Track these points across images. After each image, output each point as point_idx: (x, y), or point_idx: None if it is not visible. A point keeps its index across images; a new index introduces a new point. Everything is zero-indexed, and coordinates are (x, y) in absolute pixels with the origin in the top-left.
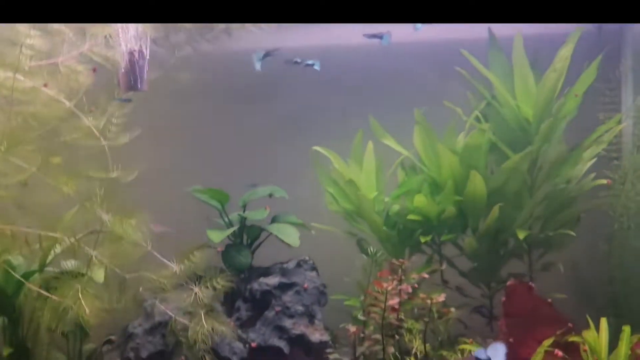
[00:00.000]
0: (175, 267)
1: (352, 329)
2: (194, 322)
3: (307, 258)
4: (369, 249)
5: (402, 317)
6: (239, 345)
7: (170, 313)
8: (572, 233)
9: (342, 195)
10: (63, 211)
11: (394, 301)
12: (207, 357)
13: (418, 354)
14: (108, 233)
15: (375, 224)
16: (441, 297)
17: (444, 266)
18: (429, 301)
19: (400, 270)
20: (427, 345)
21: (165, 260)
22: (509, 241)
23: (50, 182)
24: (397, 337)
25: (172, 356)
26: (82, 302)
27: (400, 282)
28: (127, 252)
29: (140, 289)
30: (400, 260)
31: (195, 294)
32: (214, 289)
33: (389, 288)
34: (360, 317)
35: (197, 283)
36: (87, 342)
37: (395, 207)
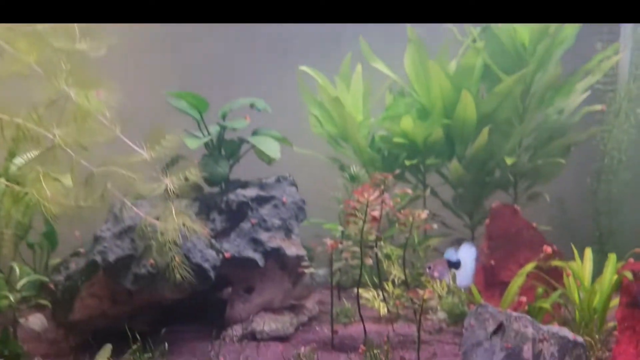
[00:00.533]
0: (145, 153)
1: (330, 242)
2: (164, 218)
3: (287, 175)
4: (351, 168)
5: (382, 239)
6: (211, 253)
7: (140, 213)
8: (562, 161)
9: (327, 117)
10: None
11: (375, 212)
12: (176, 258)
13: (396, 280)
14: (73, 110)
15: (359, 147)
16: (423, 214)
17: (427, 193)
18: (410, 218)
19: (382, 184)
20: (406, 270)
21: (134, 146)
22: (495, 171)
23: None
24: (375, 249)
25: (141, 261)
26: (44, 185)
27: (381, 193)
28: (93, 131)
29: (109, 184)
30: (383, 174)
31: (168, 187)
32: (186, 179)
33: (370, 198)
34: (339, 227)
35: (167, 174)
36: (54, 257)
37: (381, 132)
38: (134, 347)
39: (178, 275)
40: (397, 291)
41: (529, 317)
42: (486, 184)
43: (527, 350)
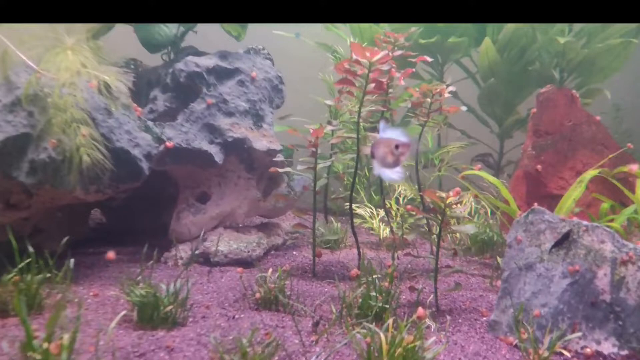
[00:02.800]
0: None
1: (313, 127)
2: (56, 65)
3: (261, 47)
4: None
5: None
6: (145, 138)
7: (32, 65)
8: (634, 40)
9: None
10: None
11: (378, 74)
12: (82, 131)
13: (401, 198)
14: None
15: (359, 25)
16: (444, 91)
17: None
18: (429, 94)
19: (392, 45)
20: None
21: None
22: (535, 61)
23: None
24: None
25: (41, 142)
26: None
27: (392, 55)
28: None
29: None
30: (393, 33)
31: None
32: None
33: (374, 58)
34: (326, 102)
35: None
36: None
37: None
38: (22, 265)
39: (86, 158)
40: (402, 210)
41: (607, 228)
42: (524, 78)
43: (604, 277)
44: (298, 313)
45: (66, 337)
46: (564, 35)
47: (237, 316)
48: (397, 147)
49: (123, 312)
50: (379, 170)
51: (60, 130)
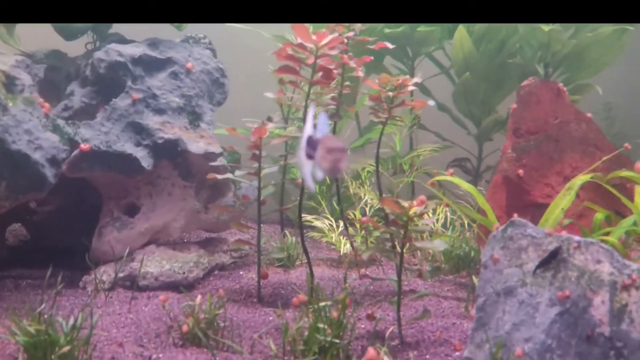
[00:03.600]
0: None
1: (254, 125)
2: None
3: (202, 35)
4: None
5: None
6: (50, 139)
7: None
8: (629, 27)
9: None
10: None
11: (327, 60)
12: None
13: (367, 207)
14: None
15: None
16: (409, 82)
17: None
18: (390, 88)
19: (346, 30)
20: None
21: None
22: (517, 54)
23: None
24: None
25: None
26: None
27: (343, 38)
28: None
29: None
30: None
31: None
32: None
33: (322, 42)
34: (268, 95)
35: None
36: None
37: None
38: None
39: None
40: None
41: (604, 244)
42: (504, 73)
43: (601, 305)
44: (232, 350)
45: None
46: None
47: (154, 356)
48: (336, 150)
49: None
50: (308, 171)
51: None
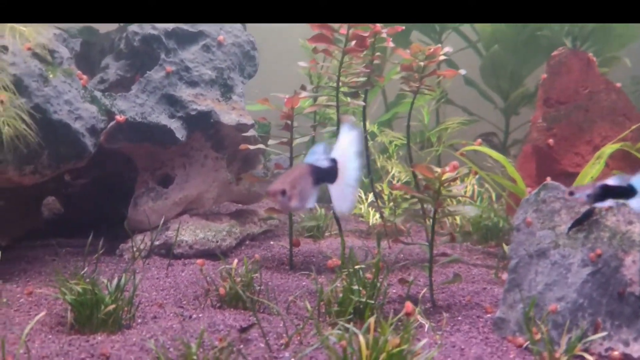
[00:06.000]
0: None
1: (286, 96)
2: None
3: None
4: None
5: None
6: (88, 109)
7: None
8: None
9: None
10: None
11: (361, 34)
12: (1, 103)
13: (395, 179)
14: None
15: None
16: (440, 52)
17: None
18: (420, 58)
19: None
20: None
21: None
22: (544, 27)
23: None
24: (361, 97)
25: None
26: None
27: None
28: None
29: None
30: None
31: None
32: None
33: None
34: (301, 65)
35: None
36: None
37: None
38: None
39: (7, 130)
40: (395, 194)
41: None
42: (532, 46)
43: (632, 264)
44: (268, 311)
45: None
46: None
47: (194, 316)
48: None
49: (42, 314)
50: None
51: None
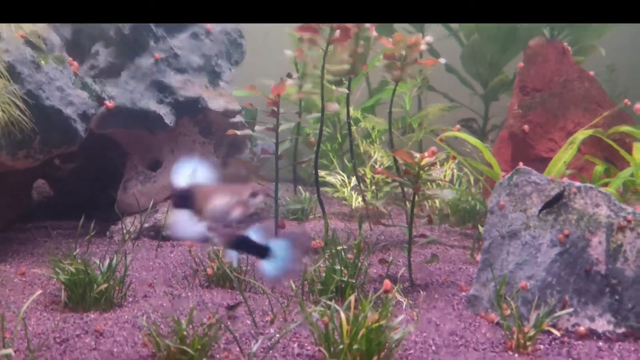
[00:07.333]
0: None
1: (272, 83)
2: None
3: None
4: None
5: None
6: (80, 95)
7: None
8: None
9: None
10: None
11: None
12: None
13: (377, 164)
14: None
15: None
16: (422, 41)
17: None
18: (402, 46)
19: None
20: None
21: None
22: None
23: None
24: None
25: None
26: None
27: None
28: None
29: None
30: None
31: None
32: None
33: None
34: (287, 53)
35: None
36: None
37: None
38: None
39: (1, 116)
40: (377, 178)
41: (603, 189)
42: (511, 35)
43: (598, 245)
44: (254, 290)
45: None
46: None
47: (183, 295)
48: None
49: (38, 292)
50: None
51: None
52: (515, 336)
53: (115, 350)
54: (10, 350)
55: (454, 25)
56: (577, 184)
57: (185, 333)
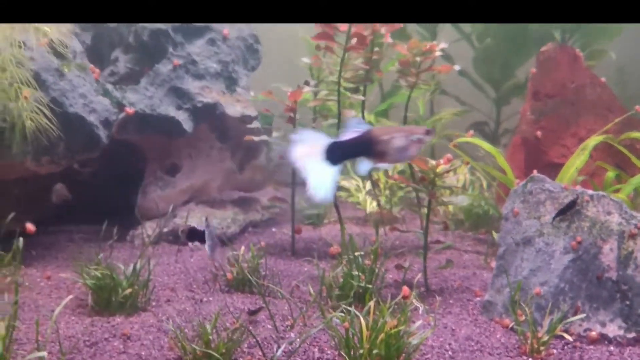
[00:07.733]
0: None
1: (289, 89)
2: None
3: None
4: None
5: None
6: (102, 102)
7: None
8: None
9: None
10: None
11: (361, 31)
12: (25, 93)
13: (391, 170)
14: None
15: None
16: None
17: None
18: (415, 53)
19: None
20: None
21: None
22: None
23: None
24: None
25: None
26: None
27: None
28: None
29: None
30: None
31: None
32: None
33: None
34: (304, 61)
35: None
36: None
37: None
38: None
39: (29, 124)
40: (391, 183)
41: (614, 197)
42: (523, 39)
43: (610, 252)
44: (273, 295)
45: (2, 326)
46: None
47: (205, 299)
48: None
49: (69, 297)
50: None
51: (1, 92)
52: (529, 341)
53: (143, 353)
54: (44, 353)
55: (467, 29)
56: (590, 192)
57: (210, 337)
